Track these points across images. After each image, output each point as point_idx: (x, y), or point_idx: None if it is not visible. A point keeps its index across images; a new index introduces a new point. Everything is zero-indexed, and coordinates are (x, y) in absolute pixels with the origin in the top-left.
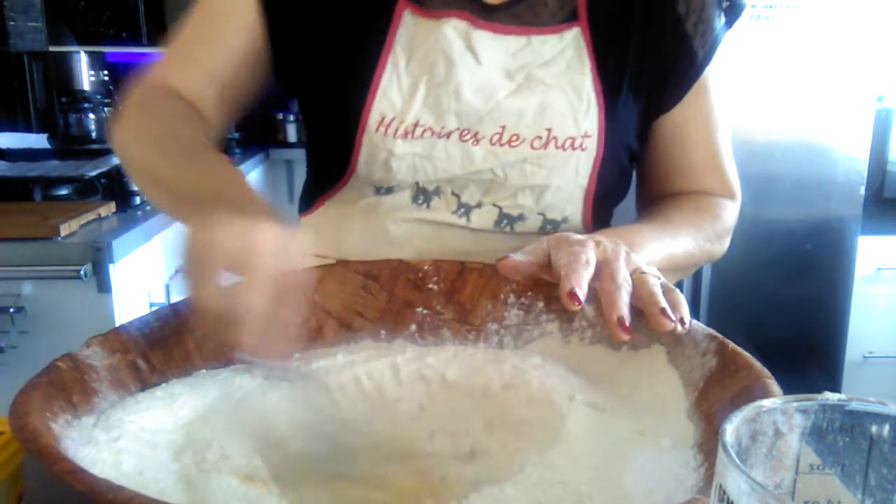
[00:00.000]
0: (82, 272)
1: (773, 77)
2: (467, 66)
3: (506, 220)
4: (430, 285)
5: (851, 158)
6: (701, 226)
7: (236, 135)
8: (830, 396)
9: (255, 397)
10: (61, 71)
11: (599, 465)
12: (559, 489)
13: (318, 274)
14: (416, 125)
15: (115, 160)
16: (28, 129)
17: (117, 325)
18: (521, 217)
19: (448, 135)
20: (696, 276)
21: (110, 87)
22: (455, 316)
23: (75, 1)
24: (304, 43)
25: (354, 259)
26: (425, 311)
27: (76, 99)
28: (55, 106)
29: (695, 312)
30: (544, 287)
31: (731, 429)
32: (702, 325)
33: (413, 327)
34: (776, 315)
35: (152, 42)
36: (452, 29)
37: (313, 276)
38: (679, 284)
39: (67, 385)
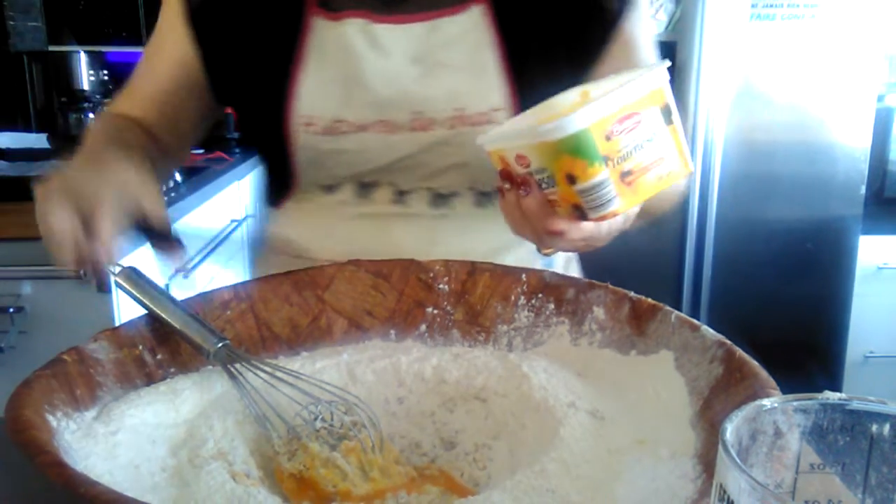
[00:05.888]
0: (82, 272)
1: (774, 76)
2: (372, 59)
3: (441, 200)
4: (441, 285)
5: (852, 157)
6: None
7: (236, 134)
8: (831, 396)
9: (258, 396)
10: (61, 70)
11: (593, 474)
12: (547, 497)
13: (328, 273)
14: (337, 122)
15: None
16: (28, 129)
17: (117, 325)
18: (454, 194)
19: (367, 127)
20: (697, 276)
21: (110, 86)
22: (465, 317)
23: (75, 0)
24: (231, 64)
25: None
26: (435, 312)
27: (76, 98)
28: (55, 105)
29: (695, 312)
30: (555, 289)
31: (732, 428)
32: (712, 331)
33: (423, 327)
34: (776, 314)
35: None
36: (351, 27)
37: (324, 275)
38: (679, 283)
39: (71, 378)
